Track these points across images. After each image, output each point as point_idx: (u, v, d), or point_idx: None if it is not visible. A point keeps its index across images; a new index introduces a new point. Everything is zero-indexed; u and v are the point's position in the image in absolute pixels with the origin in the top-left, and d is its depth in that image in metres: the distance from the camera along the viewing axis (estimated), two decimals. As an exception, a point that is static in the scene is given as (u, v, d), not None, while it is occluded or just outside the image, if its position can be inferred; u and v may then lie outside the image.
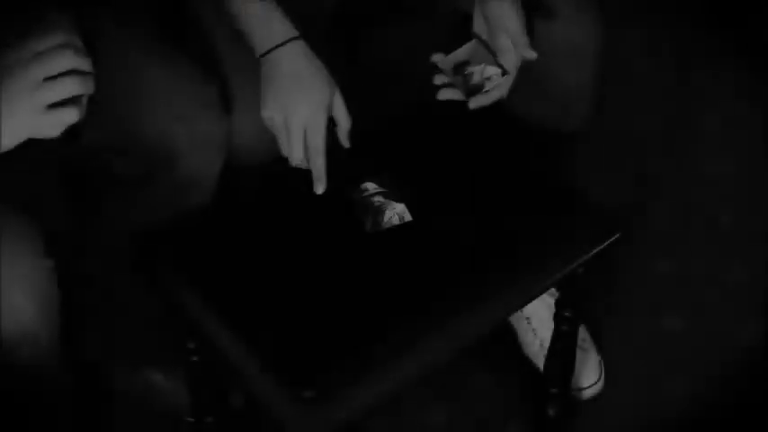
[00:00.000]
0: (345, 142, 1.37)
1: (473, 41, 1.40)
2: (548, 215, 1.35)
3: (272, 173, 1.48)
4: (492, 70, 1.38)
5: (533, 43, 1.46)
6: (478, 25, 1.40)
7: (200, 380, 1.47)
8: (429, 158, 1.40)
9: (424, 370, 1.24)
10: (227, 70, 1.43)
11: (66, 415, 1.40)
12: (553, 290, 1.43)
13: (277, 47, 1.35)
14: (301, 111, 1.33)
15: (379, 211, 1.32)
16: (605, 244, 1.36)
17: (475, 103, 1.39)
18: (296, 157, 1.35)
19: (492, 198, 1.37)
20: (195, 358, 1.43)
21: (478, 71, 1.38)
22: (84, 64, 1.12)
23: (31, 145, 1.45)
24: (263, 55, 1.36)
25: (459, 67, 1.39)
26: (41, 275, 1.22)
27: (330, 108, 1.35)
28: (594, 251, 1.36)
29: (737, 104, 2.19)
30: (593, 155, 2.01)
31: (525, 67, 1.50)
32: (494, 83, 1.38)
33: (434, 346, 1.24)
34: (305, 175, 1.44)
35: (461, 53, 1.40)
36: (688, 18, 2.37)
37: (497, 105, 1.55)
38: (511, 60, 1.39)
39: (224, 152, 1.41)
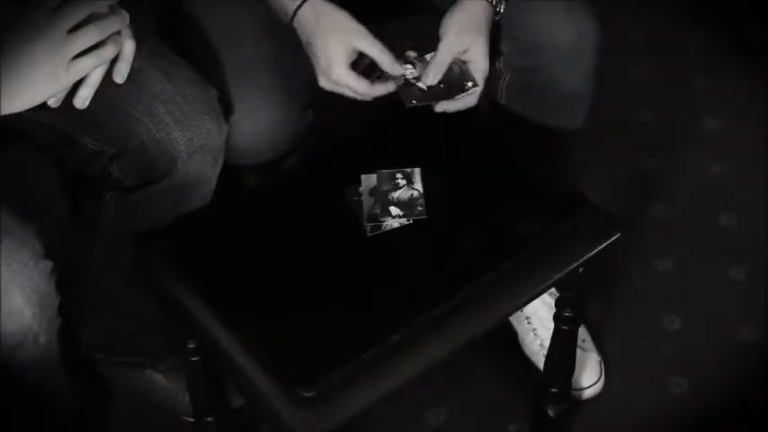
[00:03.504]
0: (394, 70, 1.37)
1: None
2: (548, 215, 1.35)
3: (272, 173, 1.49)
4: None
5: (530, 45, 1.47)
6: (445, 25, 1.40)
7: (200, 380, 1.48)
8: (429, 158, 1.40)
9: (424, 370, 1.24)
10: (227, 73, 1.43)
11: (66, 415, 1.40)
12: (553, 290, 1.43)
13: (293, 16, 1.37)
14: (333, 66, 1.35)
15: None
16: (605, 244, 1.36)
17: (441, 107, 1.40)
18: (367, 96, 1.37)
19: (492, 198, 1.37)
20: (195, 358, 1.43)
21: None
22: (101, 6, 1.14)
23: (30, 146, 1.46)
24: (290, 26, 1.38)
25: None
26: (41, 276, 1.22)
27: (354, 48, 1.36)
28: (594, 251, 1.36)
29: (737, 104, 2.19)
30: (593, 155, 2.02)
31: (523, 68, 1.50)
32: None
33: (434, 346, 1.24)
34: (304, 176, 1.44)
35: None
36: (688, 18, 2.37)
37: (495, 104, 1.56)
38: (479, 71, 1.39)
39: (223, 155, 1.41)
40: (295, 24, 1.38)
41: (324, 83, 1.38)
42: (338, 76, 1.35)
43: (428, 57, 1.40)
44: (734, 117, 2.16)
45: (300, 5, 1.36)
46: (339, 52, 1.35)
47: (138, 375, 1.64)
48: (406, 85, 1.39)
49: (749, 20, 2.33)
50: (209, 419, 1.52)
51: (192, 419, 1.57)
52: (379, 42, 1.36)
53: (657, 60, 2.29)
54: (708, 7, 2.36)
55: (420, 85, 1.39)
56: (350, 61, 1.36)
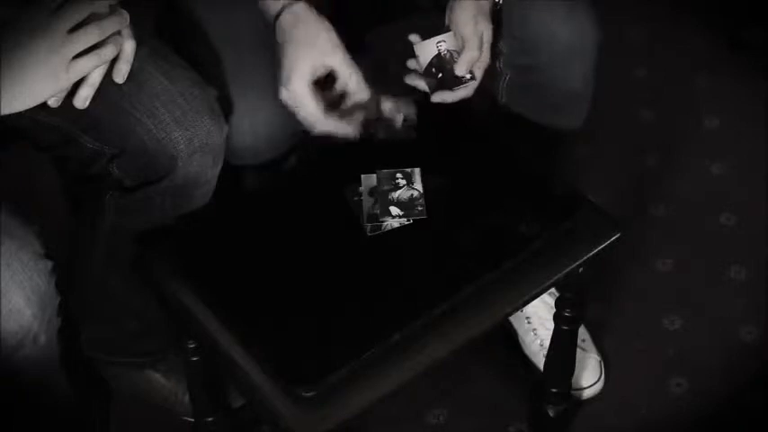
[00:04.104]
0: (359, 91, 1.35)
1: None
2: (548, 215, 1.35)
3: (272, 173, 1.49)
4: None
5: (530, 44, 1.47)
6: (457, 16, 1.40)
7: (200, 380, 1.48)
8: (429, 158, 1.40)
9: (424, 370, 1.24)
10: (227, 73, 1.43)
11: (66, 415, 1.40)
12: (553, 290, 1.43)
13: (277, 16, 1.35)
14: (292, 78, 1.32)
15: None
16: (605, 244, 1.36)
17: (438, 97, 1.40)
18: (316, 124, 1.34)
19: (492, 198, 1.37)
20: (195, 358, 1.43)
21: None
22: (101, 6, 1.14)
23: (30, 146, 1.46)
24: (272, 27, 1.36)
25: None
26: (41, 276, 1.22)
27: (323, 64, 1.34)
28: (594, 251, 1.36)
29: (737, 104, 2.19)
30: (593, 155, 2.02)
31: (524, 67, 1.50)
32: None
33: (434, 346, 1.24)
34: (304, 176, 1.44)
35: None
36: (688, 18, 2.37)
37: (495, 104, 1.56)
38: (480, 63, 1.39)
39: (222, 155, 1.41)
40: (276, 28, 1.36)
41: (282, 93, 1.34)
42: (294, 91, 1.33)
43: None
44: (734, 117, 2.16)
45: (282, 10, 1.35)
46: (303, 67, 1.32)
47: (138, 375, 1.64)
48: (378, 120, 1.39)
49: (749, 20, 2.33)
50: (210, 419, 1.52)
51: (192, 419, 1.57)
52: (350, 60, 1.34)
53: (657, 60, 2.29)
54: (707, 7, 2.36)
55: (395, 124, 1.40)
56: (314, 78, 1.33)
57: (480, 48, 1.40)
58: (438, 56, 1.41)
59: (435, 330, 1.24)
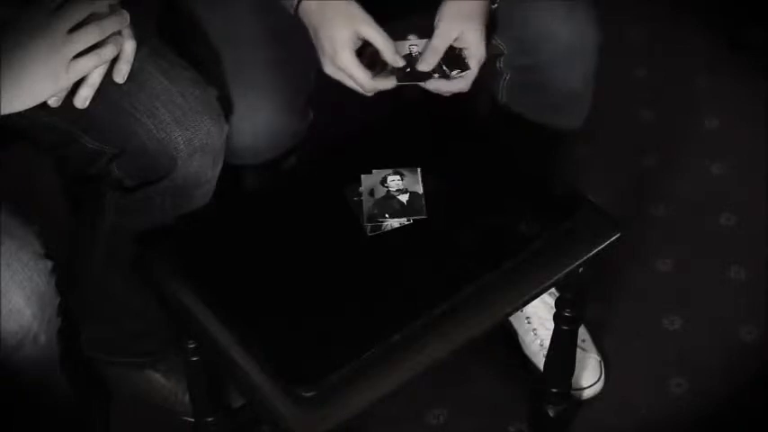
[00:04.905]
0: (395, 61, 1.36)
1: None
2: (548, 215, 1.35)
3: (272, 173, 1.49)
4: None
5: (530, 44, 1.47)
6: (440, 13, 1.40)
7: (200, 380, 1.48)
8: (429, 158, 1.40)
9: (424, 370, 1.24)
10: (227, 73, 1.43)
11: (66, 415, 1.40)
12: (553, 290, 1.43)
13: (297, 6, 1.36)
14: (338, 52, 1.34)
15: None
16: (605, 244, 1.36)
17: (432, 85, 1.39)
18: (367, 88, 1.36)
19: (492, 198, 1.37)
20: (195, 358, 1.43)
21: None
22: (101, 6, 1.14)
23: (30, 146, 1.46)
24: (295, 16, 1.37)
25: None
26: (41, 276, 1.22)
27: (358, 35, 1.35)
28: (594, 251, 1.36)
29: (737, 104, 2.19)
30: (593, 155, 2.02)
31: (524, 67, 1.50)
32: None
33: (434, 346, 1.24)
34: (304, 176, 1.44)
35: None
36: (688, 18, 2.37)
37: (495, 104, 1.56)
38: (474, 57, 1.38)
39: (222, 155, 1.41)
40: (300, 14, 1.37)
41: (328, 68, 1.37)
42: (343, 63, 1.34)
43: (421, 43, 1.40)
44: (734, 117, 2.16)
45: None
46: (344, 39, 1.34)
47: (138, 375, 1.64)
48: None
49: (749, 20, 2.33)
50: (209, 419, 1.52)
51: (192, 419, 1.57)
52: (382, 30, 1.35)
53: (657, 60, 2.29)
54: (707, 7, 2.36)
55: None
56: (355, 48, 1.35)
57: (444, 47, 1.38)
58: (409, 55, 1.40)
59: (435, 330, 1.24)
